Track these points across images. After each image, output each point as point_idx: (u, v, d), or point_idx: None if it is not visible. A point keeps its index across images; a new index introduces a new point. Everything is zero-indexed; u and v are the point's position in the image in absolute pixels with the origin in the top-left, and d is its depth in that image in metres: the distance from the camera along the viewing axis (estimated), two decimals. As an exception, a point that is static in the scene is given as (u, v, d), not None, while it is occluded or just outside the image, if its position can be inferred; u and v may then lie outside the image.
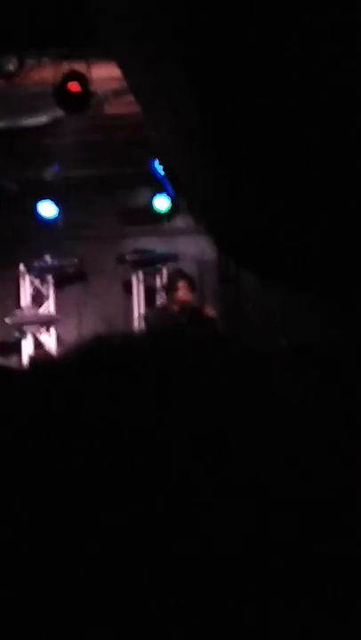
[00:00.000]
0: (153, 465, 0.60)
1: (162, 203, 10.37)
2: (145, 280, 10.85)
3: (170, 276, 9.67)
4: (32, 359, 9.77)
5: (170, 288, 9.04)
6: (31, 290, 10.92)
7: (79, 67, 6.86)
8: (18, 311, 10.74)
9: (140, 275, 10.82)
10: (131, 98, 6.14)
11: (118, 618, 0.57)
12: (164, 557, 0.58)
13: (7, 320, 10.54)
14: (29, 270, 10.81)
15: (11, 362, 10.11)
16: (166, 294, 9.32)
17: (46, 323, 10.77)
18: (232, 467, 0.60)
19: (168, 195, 10.15)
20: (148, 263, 10.77)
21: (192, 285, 8.92)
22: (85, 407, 0.62)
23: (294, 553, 0.59)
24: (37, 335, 10.70)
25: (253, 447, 0.62)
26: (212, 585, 0.58)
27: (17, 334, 10.64)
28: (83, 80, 6.90)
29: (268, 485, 0.60)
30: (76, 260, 10.75)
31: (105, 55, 6.05)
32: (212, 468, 0.60)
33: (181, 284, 8.89)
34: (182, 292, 8.82)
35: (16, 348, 10.57)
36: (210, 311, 8.94)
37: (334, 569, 0.60)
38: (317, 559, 0.59)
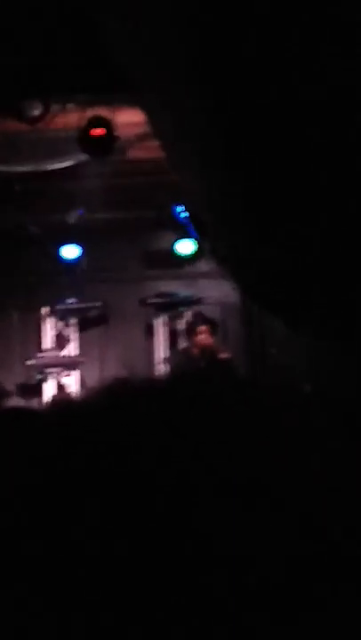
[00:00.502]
0: (153, 465, 0.60)
1: (185, 246, 10.42)
2: (167, 323, 10.88)
3: (191, 320, 9.73)
4: (52, 401, 9.80)
5: (191, 332, 9.11)
6: (54, 332, 10.97)
7: (104, 112, 6.94)
8: (40, 354, 10.79)
9: (163, 318, 10.85)
10: (154, 142, 6.20)
11: (118, 618, 0.57)
12: (163, 557, 0.58)
13: (29, 362, 10.58)
14: (52, 313, 10.87)
15: (32, 404, 10.13)
16: (187, 338, 9.38)
17: (68, 365, 10.81)
18: (232, 467, 0.61)
19: (191, 238, 10.20)
20: (171, 306, 10.81)
21: (213, 329, 8.96)
22: (99, 443, 0.64)
23: (294, 553, 0.59)
24: (59, 378, 10.73)
25: (254, 449, 0.62)
26: (211, 585, 0.58)
27: (39, 377, 10.67)
28: (107, 125, 6.98)
29: (268, 485, 0.61)
30: (98, 303, 10.80)
31: (129, 101, 6.13)
32: (212, 468, 0.60)
33: (202, 328, 8.95)
34: (203, 336, 8.87)
35: (38, 391, 10.59)
36: (224, 354, 8.97)
37: (334, 568, 0.59)
38: (318, 559, 0.59)
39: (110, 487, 0.60)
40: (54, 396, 10.34)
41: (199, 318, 9.45)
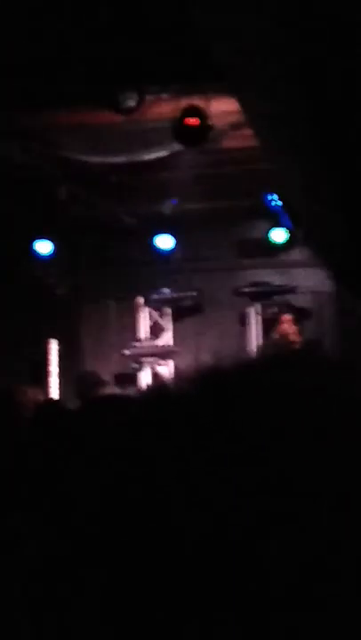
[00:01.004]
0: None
1: (278, 235, 10.35)
2: (261, 312, 10.83)
3: (276, 310, 9.73)
4: (147, 387, 9.85)
5: (274, 321, 9.13)
6: (149, 322, 11.02)
7: (198, 101, 6.93)
8: (136, 343, 10.85)
9: (257, 307, 10.80)
10: (248, 131, 6.17)
11: (118, 617, 0.58)
12: (163, 557, 0.58)
13: (125, 352, 10.65)
14: (147, 303, 10.92)
15: (128, 393, 10.20)
16: (270, 328, 9.40)
17: (164, 354, 10.84)
18: (235, 467, 0.61)
19: (285, 227, 10.13)
20: (265, 295, 10.75)
21: (300, 318, 8.94)
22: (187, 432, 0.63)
23: (294, 557, 0.59)
24: (154, 367, 10.78)
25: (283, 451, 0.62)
26: (211, 586, 0.58)
27: (135, 366, 10.73)
28: (201, 114, 6.97)
29: (274, 488, 0.61)
30: (193, 293, 10.81)
31: (223, 90, 6.12)
32: (213, 468, 0.61)
33: (285, 317, 8.95)
34: (286, 325, 8.87)
35: (133, 380, 10.66)
36: (308, 342, 8.94)
37: (335, 569, 0.59)
38: (317, 561, 0.59)
39: (194, 483, 0.60)
40: (148, 385, 10.38)
41: (285, 307, 9.42)
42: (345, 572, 0.59)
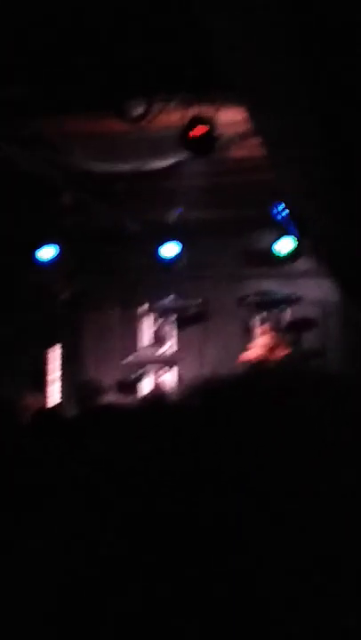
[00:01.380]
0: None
1: (284, 245, 10.36)
2: (265, 322, 10.84)
3: (280, 319, 9.85)
4: (144, 399, 9.89)
5: (249, 332, 9.29)
6: (152, 330, 11.03)
7: (205, 111, 6.94)
8: (139, 350, 10.86)
9: (261, 316, 10.81)
10: (255, 141, 6.17)
11: (118, 617, 0.58)
12: (162, 557, 0.59)
13: (128, 359, 10.67)
14: (151, 310, 10.94)
15: (129, 400, 10.21)
16: (247, 339, 9.54)
17: (167, 362, 10.85)
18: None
19: (291, 237, 10.14)
20: (270, 305, 10.77)
21: (276, 328, 9.08)
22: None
23: (293, 558, 0.60)
24: (157, 375, 10.79)
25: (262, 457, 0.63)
26: (210, 586, 0.58)
27: (137, 373, 10.75)
28: (208, 124, 6.98)
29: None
30: (197, 301, 10.83)
31: (231, 99, 6.12)
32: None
33: (263, 328, 9.08)
34: (264, 337, 9.02)
35: (135, 388, 10.67)
36: (284, 351, 9.08)
37: (333, 570, 0.60)
38: (318, 561, 0.60)
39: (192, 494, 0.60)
40: (148, 394, 10.41)
41: (266, 318, 9.59)
42: (343, 574, 0.59)
